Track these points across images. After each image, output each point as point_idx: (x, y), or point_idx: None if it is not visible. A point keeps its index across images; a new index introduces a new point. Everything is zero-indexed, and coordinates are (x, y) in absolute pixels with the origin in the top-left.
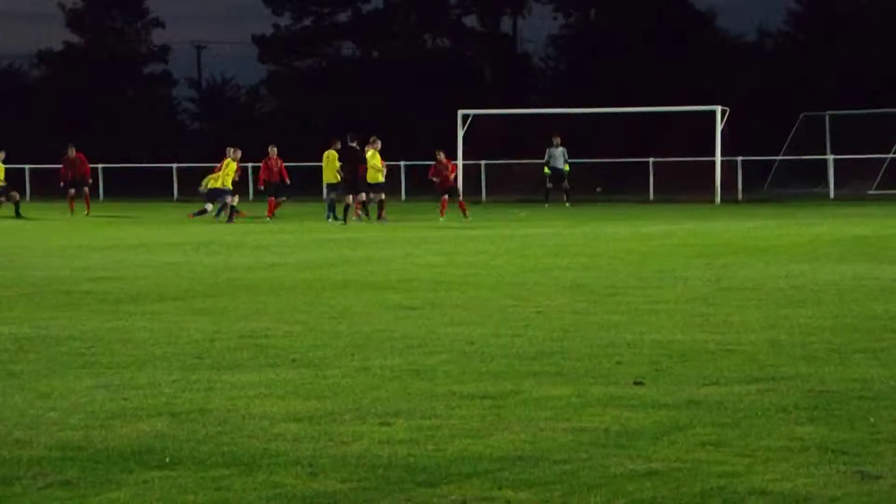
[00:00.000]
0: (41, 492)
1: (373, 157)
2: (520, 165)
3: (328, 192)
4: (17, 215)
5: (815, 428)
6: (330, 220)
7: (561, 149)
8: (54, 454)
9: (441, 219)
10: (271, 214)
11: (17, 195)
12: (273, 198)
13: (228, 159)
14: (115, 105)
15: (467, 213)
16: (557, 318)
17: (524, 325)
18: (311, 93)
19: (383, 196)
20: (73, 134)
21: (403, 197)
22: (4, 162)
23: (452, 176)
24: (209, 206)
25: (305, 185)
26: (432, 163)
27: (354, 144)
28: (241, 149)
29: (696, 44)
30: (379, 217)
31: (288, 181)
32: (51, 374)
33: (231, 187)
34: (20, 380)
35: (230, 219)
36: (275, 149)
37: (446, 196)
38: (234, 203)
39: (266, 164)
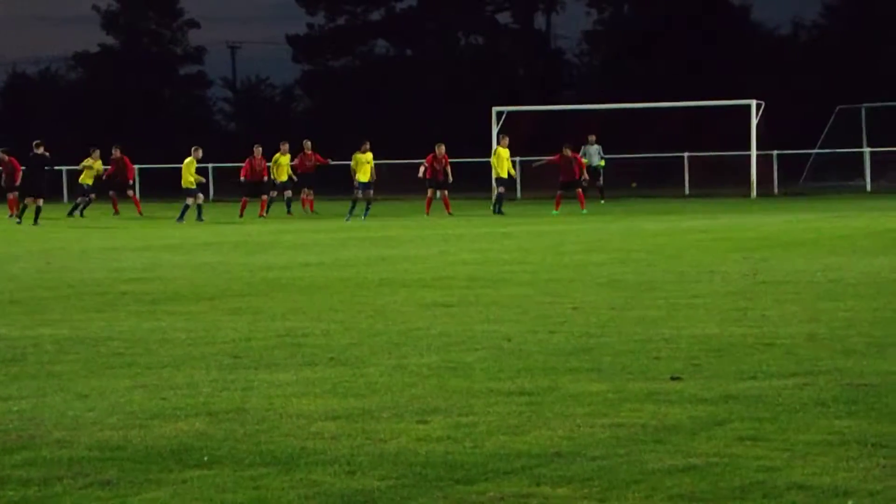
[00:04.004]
0: (81, 492)
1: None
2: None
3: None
4: (79, 214)
5: (854, 422)
6: (348, 219)
7: (596, 146)
8: (94, 454)
9: (554, 212)
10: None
11: (93, 197)
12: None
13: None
14: (151, 106)
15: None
16: (594, 313)
17: (561, 321)
18: (345, 92)
19: (361, 194)
20: (108, 135)
21: (437, 195)
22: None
23: (581, 171)
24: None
25: (340, 185)
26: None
27: (40, 151)
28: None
29: (730, 38)
30: (365, 215)
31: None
32: (90, 374)
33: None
34: (60, 380)
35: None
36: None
37: (561, 192)
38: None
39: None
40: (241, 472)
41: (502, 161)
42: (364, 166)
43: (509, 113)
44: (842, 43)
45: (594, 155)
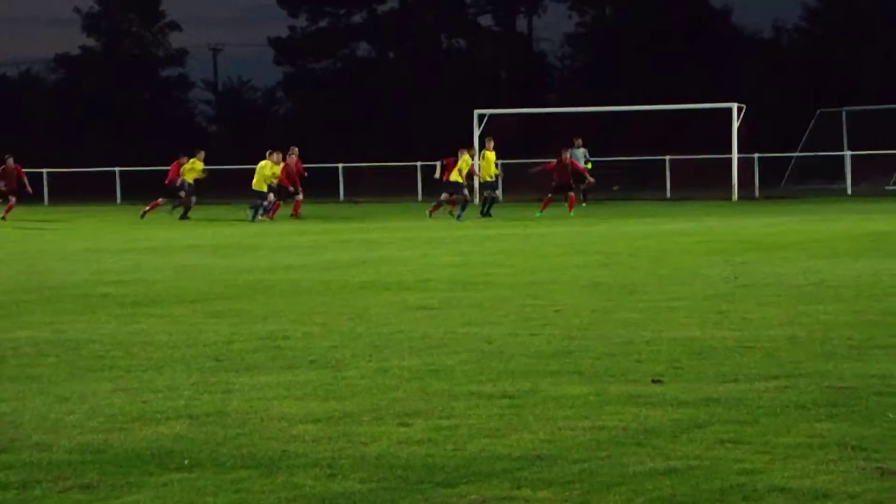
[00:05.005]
0: (61, 495)
1: (464, 161)
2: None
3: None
4: (183, 216)
5: (834, 424)
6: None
7: (582, 150)
8: (74, 457)
9: (538, 214)
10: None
11: (192, 200)
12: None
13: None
14: (132, 108)
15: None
16: (575, 316)
17: (542, 323)
18: (327, 94)
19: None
20: (89, 137)
21: (420, 197)
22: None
23: (581, 175)
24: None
25: (322, 187)
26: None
27: None
28: (258, 151)
29: (711, 41)
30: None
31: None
32: (70, 377)
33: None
34: (40, 384)
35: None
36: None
37: (551, 195)
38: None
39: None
40: (222, 476)
41: (489, 164)
42: (456, 171)
43: (492, 116)
44: (823, 46)
45: (580, 158)
